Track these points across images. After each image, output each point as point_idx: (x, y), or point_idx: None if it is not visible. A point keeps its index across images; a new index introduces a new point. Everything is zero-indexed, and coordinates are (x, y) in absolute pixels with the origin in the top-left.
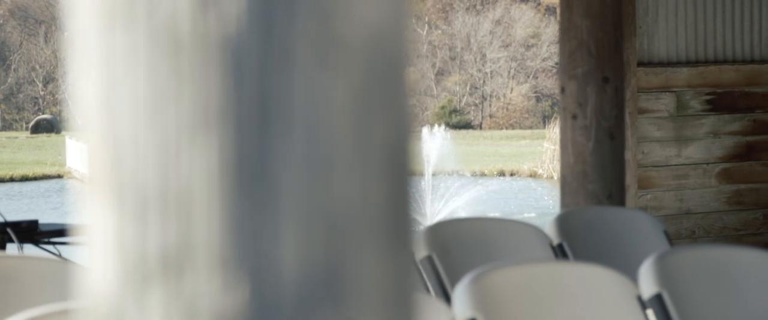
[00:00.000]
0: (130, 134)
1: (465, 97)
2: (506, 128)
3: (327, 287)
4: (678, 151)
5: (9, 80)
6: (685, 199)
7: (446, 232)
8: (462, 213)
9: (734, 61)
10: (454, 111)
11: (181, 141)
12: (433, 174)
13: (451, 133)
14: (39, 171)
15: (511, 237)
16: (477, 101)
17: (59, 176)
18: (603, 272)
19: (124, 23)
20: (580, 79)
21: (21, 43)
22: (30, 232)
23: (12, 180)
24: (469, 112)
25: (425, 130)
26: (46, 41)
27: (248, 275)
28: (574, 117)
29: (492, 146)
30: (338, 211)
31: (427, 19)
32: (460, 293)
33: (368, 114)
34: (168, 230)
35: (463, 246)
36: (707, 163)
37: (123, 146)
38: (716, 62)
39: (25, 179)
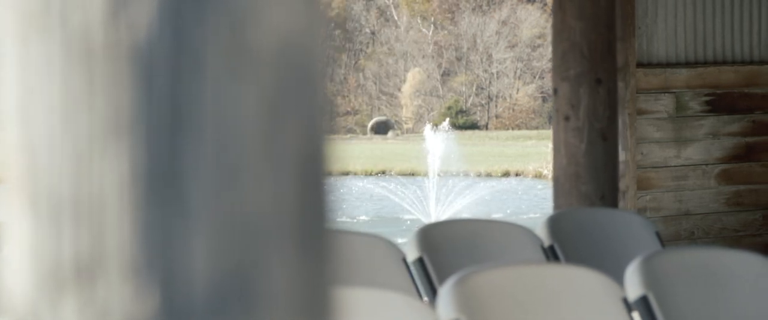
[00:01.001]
0: (45, 141)
1: (471, 98)
2: (512, 128)
3: (238, 293)
4: (677, 151)
5: None
6: (685, 200)
7: (438, 234)
8: (466, 214)
9: (733, 62)
10: (461, 111)
11: (94, 148)
12: (439, 175)
13: (456, 134)
14: None
15: (502, 239)
16: (483, 102)
17: None
18: (588, 274)
19: (38, 32)
20: (572, 80)
21: None
22: None
23: None
24: (475, 113)
25: (429, 130)
26: None
27: (159, 281)
28: (567, 118)
29: (498, 147)
30: (249, 218)
31: (433, 19)
32: (444, 294)
33: (279, 120)
34: (81, 237)
35: (455, 248)
36: (706, 164)
37: (38, 153)
38: (715, 63)
39: None
